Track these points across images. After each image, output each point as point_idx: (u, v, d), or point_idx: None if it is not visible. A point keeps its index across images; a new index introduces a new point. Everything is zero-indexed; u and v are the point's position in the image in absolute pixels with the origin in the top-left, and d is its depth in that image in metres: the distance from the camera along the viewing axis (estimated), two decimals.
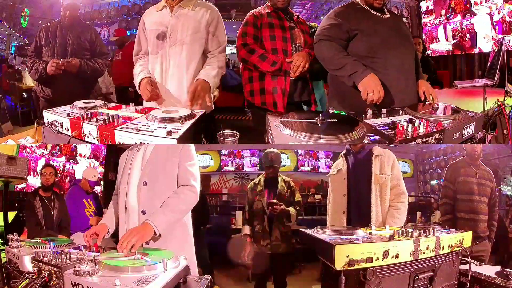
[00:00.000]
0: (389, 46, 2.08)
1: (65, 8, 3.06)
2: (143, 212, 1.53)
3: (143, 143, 1.59)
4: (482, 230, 2.43)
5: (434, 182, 6.00)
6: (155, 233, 1.43)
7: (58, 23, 3.13)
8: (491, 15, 5.81)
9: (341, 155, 2.21)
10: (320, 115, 1.71)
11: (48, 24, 3.16)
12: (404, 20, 7.82)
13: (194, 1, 2.23)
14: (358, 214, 2.03)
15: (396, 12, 7.67)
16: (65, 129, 1.80)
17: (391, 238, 1.29)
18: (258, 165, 5.71)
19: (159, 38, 2.19)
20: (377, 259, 1.21)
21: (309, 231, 1.50)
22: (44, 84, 3.10)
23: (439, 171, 5.76)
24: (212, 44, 2.25)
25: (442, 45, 7.13)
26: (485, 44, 6.08)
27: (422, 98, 2.16)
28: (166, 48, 2.18)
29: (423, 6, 7.46)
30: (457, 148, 3.80)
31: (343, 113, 1.89)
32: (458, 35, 6.66)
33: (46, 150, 4.46)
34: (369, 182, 2.01)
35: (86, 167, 4.82)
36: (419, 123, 1.60)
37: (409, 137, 1.55)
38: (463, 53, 6.72)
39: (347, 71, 2.01)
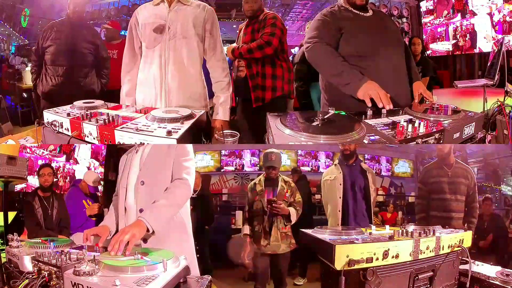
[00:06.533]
0: (374, 43, 2.06)
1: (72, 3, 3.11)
2: (141, 211, 1.52)
3: (142, 144, 1.59)
4: (456, 227, 2.49)
5: None
6: (148, 230, 1.37)
7: (62, 22, 3.14)
8: (491, 15, 5.81)
9: (335, 164, 2.51)
10: (320, 115, 1.71)
11: (53, 22, 3.17)
12: (404, 20, 7.82)
13: None
14: (353, 213, 2.39)
15: (395, 12, 7.68)
16: (65, 129, 1.80)
17: (391, 238, 1.29)
18: (258, 165, 5.72)
19: (157, 31, 2.13)
20: (377, 259, 1.21)
21: (309, 231, 1.51)
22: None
23: None
24: (209, 42, 2.25)
25: (442, 45, 7.13)
26: (485, 44, 6.09)
27: (417, 100, 2.12)
28: (166, 41, 2.14)
29: (423, 6, 7.47)
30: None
31: (343, 113, 1.88)
32: (458, 35, 6.66)
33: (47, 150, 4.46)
34: (362, 189, 2.43)
35: (86, 168, 4.82)
36: (419, 123, 1.60)
37: (409, 137, 1.55)
38: (463, 53, 6.72)
39: (343, 79, 1.96)
